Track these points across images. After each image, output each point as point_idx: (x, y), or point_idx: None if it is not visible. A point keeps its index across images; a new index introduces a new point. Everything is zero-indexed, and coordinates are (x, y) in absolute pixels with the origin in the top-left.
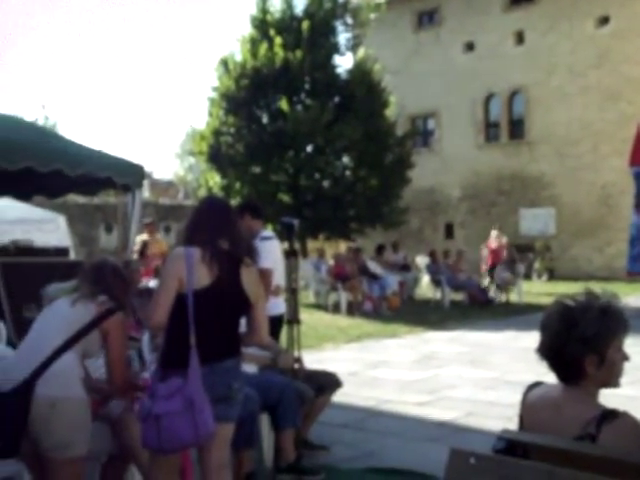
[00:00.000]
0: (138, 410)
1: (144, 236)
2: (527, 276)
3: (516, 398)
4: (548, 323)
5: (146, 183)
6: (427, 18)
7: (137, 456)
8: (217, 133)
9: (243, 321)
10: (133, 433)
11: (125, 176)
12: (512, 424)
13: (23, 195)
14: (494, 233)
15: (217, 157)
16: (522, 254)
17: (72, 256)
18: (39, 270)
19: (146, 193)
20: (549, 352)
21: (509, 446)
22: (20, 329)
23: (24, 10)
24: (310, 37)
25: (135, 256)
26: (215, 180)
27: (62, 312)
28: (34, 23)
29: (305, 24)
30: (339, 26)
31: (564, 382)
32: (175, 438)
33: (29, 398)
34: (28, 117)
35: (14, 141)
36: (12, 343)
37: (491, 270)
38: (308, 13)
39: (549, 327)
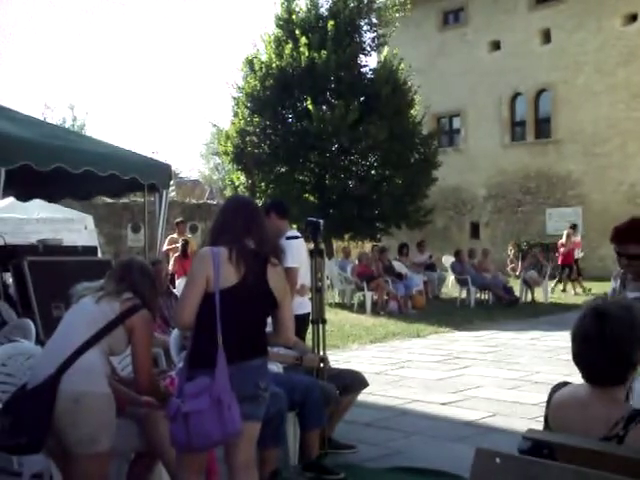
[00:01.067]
0: (166, 408)
1: (174, 235)
2: (554, 276)
3: (542, 398)
4: (586, 328)
5: (173, 183)
6: (452, 17)
7: (164, 454)
8: (242, 133)
9: (269, 320)
10: (161, 431)
11: (152, 176)
12: (537, 424)
13: (53, 197)
14: (568, 231)
15: (242, 157)
16: (549, 254)
17: (99, 255)
18: (67, 269)
19: (173, 192)
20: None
21: (535, 446)
22: (49, 327)
23: (51, 12)
24: (335, 37)
25: (176, 254)
26: (240, 180)
27: (87, 310)
28: (62, 24)
29: (330, 24)
30: (364, 25)
31: (592, 383)
32: (203, 436)
33: (54, 394)
34: (57, 118)
35: (44, 143)
36: (41, 341)
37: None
38: (333, 13)
39: (588, 331)
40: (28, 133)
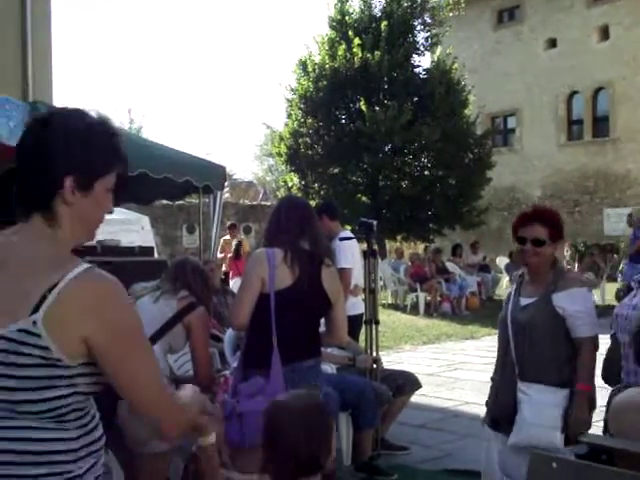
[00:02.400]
0: (221, 408)
1: (226, 237)
2: (612, 278)
3: (600, 402)
4: None
5: (227, 184)
6: (507, 15)
7: (220, 453)
8: (296, 134)
9: (322, 321)
10: (217, 430)
11: (207, 178)
12: (596, 429)
13: (115, 201)
14: None
15: (295, 158)
16: (607, 255)
17: (156, 256)
18: (125, 269)
19: (227, 194)
20: None
21: (592, 451)
22: None
23: (107, 14)
24: (388, 37)
25: (230, 255)
26: (294, 181)
27: (146, 309)
28: (118, 29)
29: (383, 24)
30: (418, 25)
31: None
32: (257, 436)
33: (115, 393)
34: (115, 121)
35: None
36: None
37: None
38: (386, 13)
39: None
40: None
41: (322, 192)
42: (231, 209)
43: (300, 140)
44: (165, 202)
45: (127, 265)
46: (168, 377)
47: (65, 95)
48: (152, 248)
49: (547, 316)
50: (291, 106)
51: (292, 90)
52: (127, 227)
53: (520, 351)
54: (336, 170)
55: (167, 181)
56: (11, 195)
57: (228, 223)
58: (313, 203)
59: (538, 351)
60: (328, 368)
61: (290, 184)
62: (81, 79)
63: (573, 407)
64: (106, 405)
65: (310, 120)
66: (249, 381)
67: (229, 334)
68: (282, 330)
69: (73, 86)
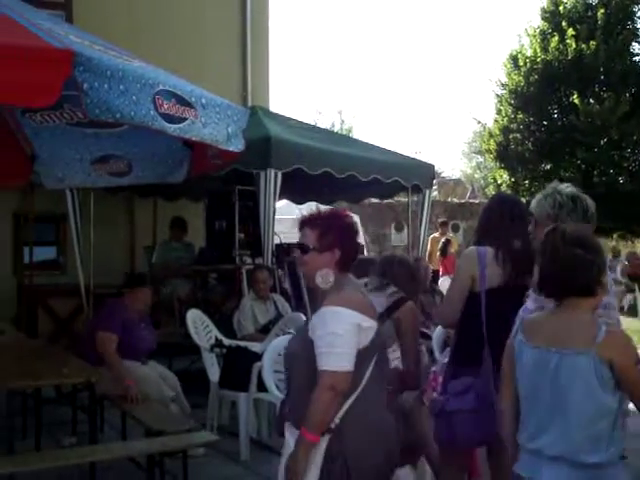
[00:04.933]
0: (430, 406)
1: (436, 234)
2: None
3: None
4: None
5: (435, 182)
6: None
7: (428, 449)
8: (506, 130)
9: None
10: (425, 426)
11: (415, 177)
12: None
13: (326, 200)
14: None
15: (506, 155)
16: None
17: (365, 254)
18: None
19: (435, 192)
20: None
21: None
22: None
23: (315, 17)
24: (605, 26)
25: (438, 254)
26: (503, 178)
27: None
28: (331, 33)
29: (600, 12)
30: (638, 11)
31: None
32: (467, 435)
33: None
34: (327, 123)
35: (315, 148)
36: None
37: None
38: (603, 1)
39: None
40: (301, 138)
41: (533, 189)
42: (439, 207)
43: (510, 136)
44: (374, 201)
45: None
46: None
47: (279, 99)
48: (362, 246)
49: (302, 343)
50: (501, 102)
51: (502, 85)
52: None
53: (289, 388)
54: (547, 166)
55: (376, 180)
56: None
57: (439, 220)
58: (523, 200)
59: (294, 387)
60: None
61: (499, 181)
62: (293, 82)
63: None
64: None
65: (520, 115)
66: (459, 379)
67: (438, 331)
68: (493, 329)
69: (286, 90)
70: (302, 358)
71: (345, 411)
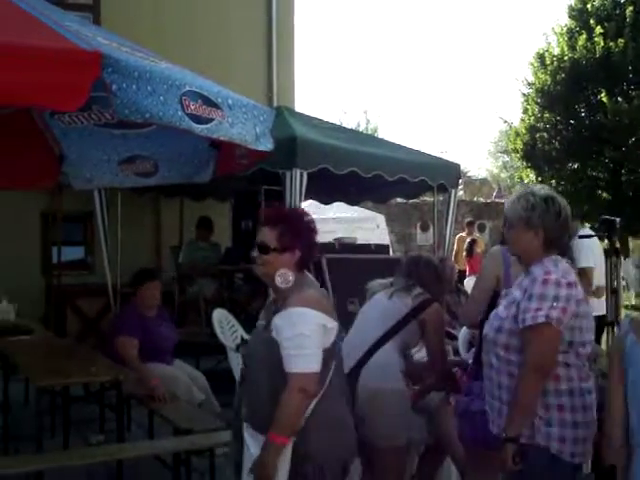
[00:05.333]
0: (454, 406)
1: (462, 234)
2: None
3: None
4: None
5: (461, 182)
6: None
7: (453, 449)
8: (532, 130)
9: None
10: (450, 426)
11: (441, 176)
12: None
13: (353, 200)
14: None
15: (532, 154)
16: None
17: (391, 253)
18: (361, 266)
19: (461, 191)
20: None
21: None
22: (344, 321)
23: (339, 17)
24: (634, 23)
25: (464, 254)
26: (530, 177)
27: (380, 306)
28: (355, 34)
29: (629, 10)
30: None
31: None
32: (491, 436)
33: (353, 388)
34: (352, 122)
35: (340, 148)
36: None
37: None
38: None
39: None
40: (327, 138)
41: (560, 189)
42: (465, 207)
43: (537, 135)
44: (400, 200)
45: (363, 262)
46: (402, 371)
47: (305, 99)
48: (387, 246)
49: (264, 344)
50: (527, 101)
51: (529, 84)
52: (363, 225)
53: (249, 392)
54: (575, 166)
55: (402, 180)
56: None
57: (466, 220)
58: None
59: (255, 390)
60: None
61: (526, 181)
62: (319, 82)
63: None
64: None
65: (547, 114)
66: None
67: (463, 332)
68: None
69: (312, 90)
70: (264, 360)
71: (310, 411)
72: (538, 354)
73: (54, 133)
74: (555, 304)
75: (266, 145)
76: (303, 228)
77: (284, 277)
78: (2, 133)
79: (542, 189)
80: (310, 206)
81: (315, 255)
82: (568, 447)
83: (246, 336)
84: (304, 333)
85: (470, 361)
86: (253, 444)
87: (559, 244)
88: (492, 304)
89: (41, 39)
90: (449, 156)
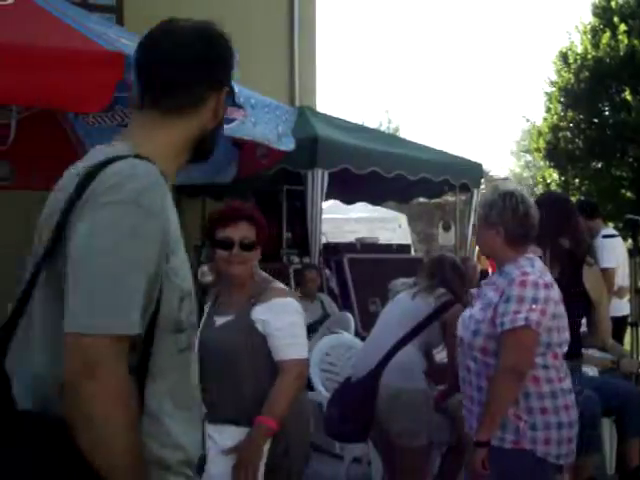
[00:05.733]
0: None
1: None
2: None
3: None
4: None
5: (483, 181)
6: None
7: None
8: (555, 129)
9: (584, 321)
10: None
11: (464, 176)
12: None
13: (375, 200)
14: None
15: (555, 153)
16: None
17: (412, 253)
18: (383, 266)
19: (483, 191)
20: None
21: None
22: (365, 321)
23: (361, 16)
24: None
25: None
26: (553, 177)
27: (403, 306)
28: (377, 35)
29: None
30: None
31: None
32: None
33: (375, 387)
34: (374, 122)
35: (362, 147)
36: (358, 334)
37: None
38: None
39: None
40: (348, 138)
41: (583, 188)
42: None
43: (560, 134)
44: (421, 200)
45: (385, 262)
46: (425, 372)
47: (326, 99)
48: (409, 246)
49: (245, 338)
50: (550, 99)
51: (551, 83)
52: (385, 225)
53: (216, 386)
54: (598, 165)
55: (424, 180)
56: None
57: None
58: (573, 199)
59: (232, 383)
60: (589, 370)
61: (549, 180)
62: (340, 82)
63: (242, 441)
64: (362, 401)
65: (570, 113)
66: None
67: None
68: None
69: (333, 89)
70: (246, 353)
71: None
72: (515, 357)
73: (78, 134)
74: (534, 306)
75: (288, 145)
76: (265, 225)
77: (258, 272)
78: (26, 133)
79: (508, 186)
80: (332, 206)
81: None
82: (553, 449)
83: None
84: (295, 322)
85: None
86: (219, 438)
87: (524, 241)
88: None
89: (66, 41)
90: (471, 155)
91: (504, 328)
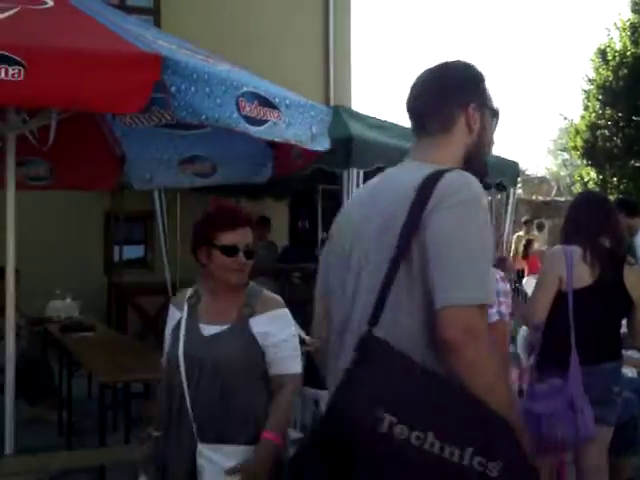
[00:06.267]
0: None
1: (520, 233)
2: None
3: None
4: None
5: (519, 180)
6: None
7: None
8: (593, 127)
9: (624, 322)
10: None
11: (500, 175)
12: None
13: None
14: None
15: (593, 152)
16: None
17: None
18: None
19: (519, 190)
20: None
21: None
22: None
23: (396, 16)
24: None
25: (519, 252)
26: (591, 175)
27: None
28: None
29: None
30: None
31: None
32: (554, 438)
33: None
34: (408, 121)
35: (396, 146)
36: None
37: None
38: None
39: None
40: (383, 137)
41: (621, 187)
42: (524, 205)
43: (598, 132)
44: None
45: None
46: None
47: (361, 99)
48: None
49: (243, 349)
50: (588, 97)
51: (589, 80)
52: None
53: (201, 401)
54: (637, 163)
55: None
56: (310, 197)
57: (523, 219)
58: (611, 198)
59: (227, 398)
60: (628, 372)
61: (586, 179)
62: (374, 80)
63: (248, 459)
64: None
65: (609, 111)
66: (546, 382)
67: (522, 332)
68: (581, 330)
69: (368, 88)
70: (242, 367)
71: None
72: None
73: (116, 135)
74: (501, 299)
75: (322, 145)
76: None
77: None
78: (66, 134)
79: None
80: None
81: None
82: None
83: (305, 336)
84: (294, 334)
85: (528, 364)
86: (215, 457)
87: None
88: (555, 305)
89: (104, 43)
90: (507, 154)
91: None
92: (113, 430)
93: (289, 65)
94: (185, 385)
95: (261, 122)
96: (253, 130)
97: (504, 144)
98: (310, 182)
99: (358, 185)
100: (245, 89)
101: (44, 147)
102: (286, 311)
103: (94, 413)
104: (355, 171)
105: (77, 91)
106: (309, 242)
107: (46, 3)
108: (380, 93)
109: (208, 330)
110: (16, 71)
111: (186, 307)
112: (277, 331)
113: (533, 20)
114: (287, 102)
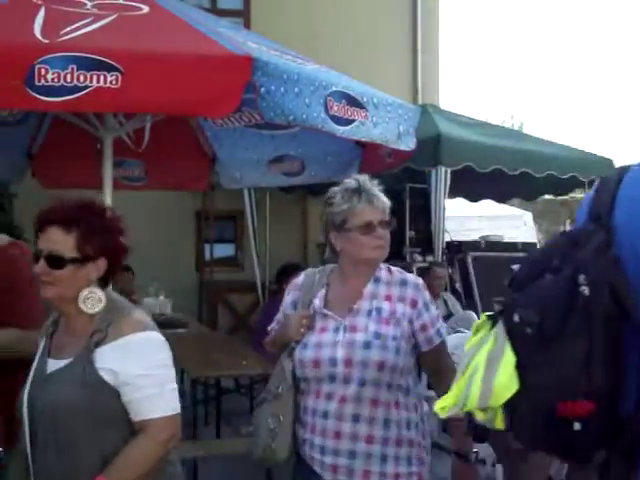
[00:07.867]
0: None
1: None
2: None
3: None
4: None
5: None
6: None
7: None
8: None
9: None
10: None
11: (593, 172)
12: None
13: (502, 198)
14: None
15: None
16: None
17: None
18: (507, 265)
19: None
20: None
21: None
22: None
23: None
24: None
25: None
26: None
27: None
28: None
29: None
30: None
31: None
32: None
33: None
34: (497, 119)
35: (485, 144)
36: None
37: None
38: None
39: None
40: (471, 135)
41: None
42: None
43: None
44: (548, 197)
45: (510, 261)
46: None
47: (449, 97)
48: (535, 244)
49: (81, 392)
50: None
51: None
52: (510, 223)
53: (42, 455)
54: None
55: (551, 177)
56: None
57: None
58: None
59: (64, 451)
60: None
61: None
62: (463, 78)
63: None
64: None
65: None
66: None
67: None
68: None
69: (457, 86)
70: (86, 414)
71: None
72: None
73: (206, 135)
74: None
75: (408, 144)
76: (108, 228)
77: (93, 299)
78: (159, 135)
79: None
80: (455, 203)
81: (122, 264)
82: None
83: None
84: (165, 363)
85: None
86: None
87: None
88: None
89: (198, 47)
90: (601, 151)
91: (442, 337)
92: (205, 424)
93: (377, 63)
94: (27, 440)
95: (348, 122)
96: (340, 130)
97: (598, 141)
98: (398, 181)
99: (446, 183)
100: (334, 88)
101: (139, 148)
102: (147, 335)
103: (186, 408)
104: (443, 169)
105: (172, 96)
106: (396, 240)
107: (142, 9)
108: (469, 92)
109: (51, 366)
110: (114, 78)
111: (45, 335)
112: (132, 362)
113: (623, 15)
114: (375, 101)
